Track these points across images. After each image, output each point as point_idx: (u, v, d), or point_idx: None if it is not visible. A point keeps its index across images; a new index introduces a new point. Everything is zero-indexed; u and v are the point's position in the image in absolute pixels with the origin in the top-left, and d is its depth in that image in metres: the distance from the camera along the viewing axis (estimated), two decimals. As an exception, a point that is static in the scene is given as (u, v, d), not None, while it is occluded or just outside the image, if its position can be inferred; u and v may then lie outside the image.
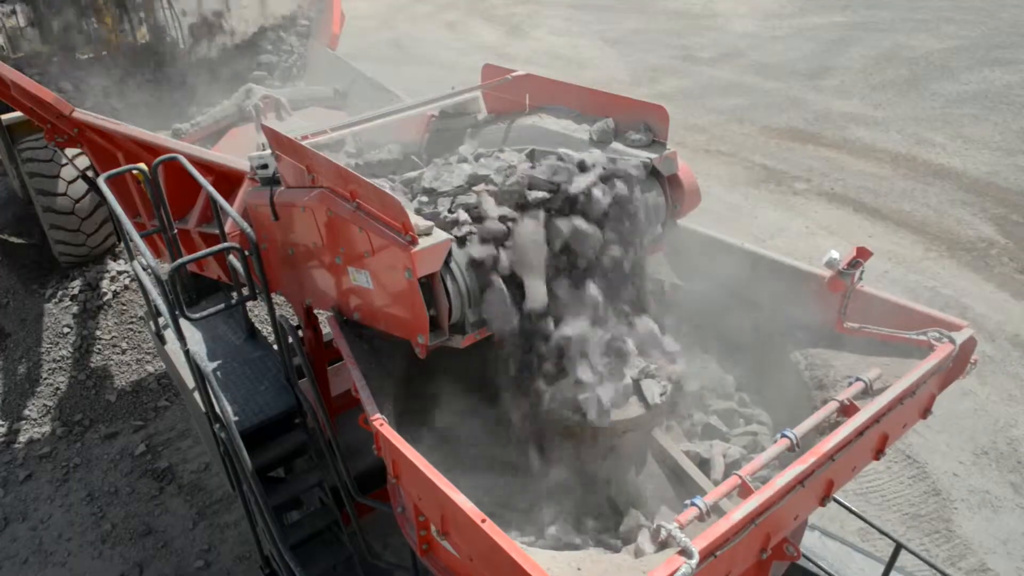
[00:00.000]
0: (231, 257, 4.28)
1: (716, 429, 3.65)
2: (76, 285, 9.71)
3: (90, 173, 7.70)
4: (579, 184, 3.36)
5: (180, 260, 3.97)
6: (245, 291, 4.19)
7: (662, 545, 2.43)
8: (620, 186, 3.48)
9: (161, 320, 5.07)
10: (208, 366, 4.12)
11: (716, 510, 2.56)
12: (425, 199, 3.45)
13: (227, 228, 4.40)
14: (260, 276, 4.06)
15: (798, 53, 17.65)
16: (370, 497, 4.14)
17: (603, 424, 3.32)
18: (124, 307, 9.55)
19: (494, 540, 2.42)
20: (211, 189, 4.17)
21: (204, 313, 4.10)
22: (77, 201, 9.49)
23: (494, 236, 3.21)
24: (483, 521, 2.48)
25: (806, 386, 3.50)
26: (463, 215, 3.24)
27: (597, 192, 3.39)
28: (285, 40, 8.32)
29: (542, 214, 3.30)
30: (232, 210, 4.09)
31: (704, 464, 3.38)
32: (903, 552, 4.46)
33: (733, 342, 4.05)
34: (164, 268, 4.49)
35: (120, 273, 9.91)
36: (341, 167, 3.30)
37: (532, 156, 3.71)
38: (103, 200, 6.13)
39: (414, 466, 2.77)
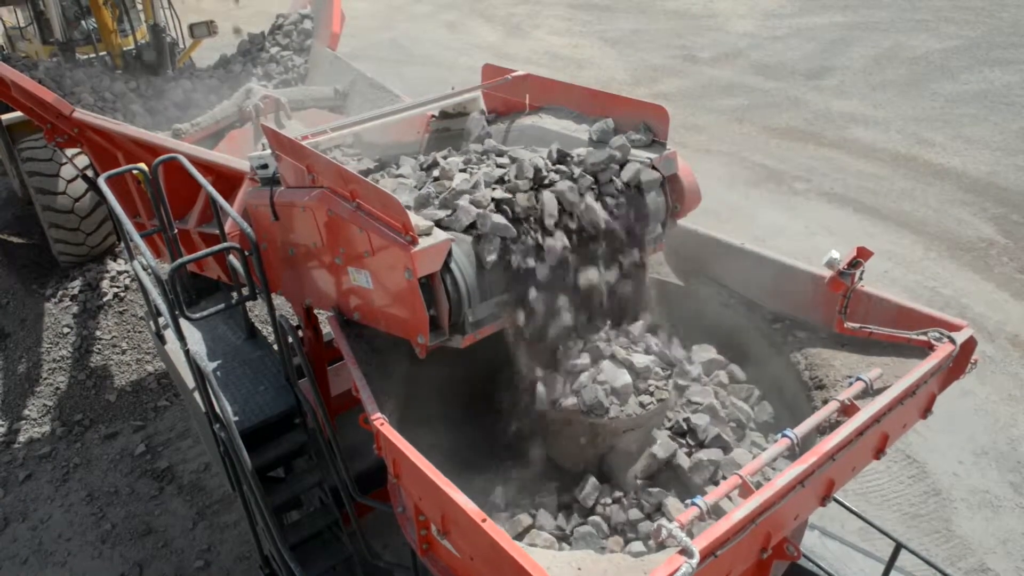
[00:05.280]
0: (231, 257, 4.28)
1: (712, 430, 3.64)
2: (76, 285, 9.72)
3: (89, 172, 7.70)
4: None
5: (180, 260, 3.97)
6: (245, 291, 4.19)
7: (662, 545, 2.43)
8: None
9: (161, 320, 5.07)
10: (208, 366, 4.11)
11: (716, 510, 2.56)
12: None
13: (227, 228, 4.40)
14: (260, 276, 4.06)
15: (798, 53, 17.66)
16: (370, 497, 4.14)
17: (602, 420, 3.33)
18: (124, 307, 9.55)
19: (495, 540, 2.41)
20: (211, 189, 4.17)
21: (204, 313, 4.09)
22: (76, 200, 9.50)
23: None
24: (483, 521, 2.48)
25: (806, 386, 3.50)
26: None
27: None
28: (286, 45, 8.31)
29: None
30: (232, 210, 4.09)
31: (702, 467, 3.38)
32: (903, 552, 4.46)
33: (733, 342, 4.05)
34: (164, 268, 4.48)
35: (120, 273, 9.91)
36: (341, 167, 3.30)
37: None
38: (103, 200, 6.13)
39: (415, 466, 2.77)
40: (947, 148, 13.09)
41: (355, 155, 4.44)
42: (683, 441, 3.52)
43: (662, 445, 3.36)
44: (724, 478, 3.26)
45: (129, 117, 7.17)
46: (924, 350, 3.24)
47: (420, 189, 3.55)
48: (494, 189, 3.39)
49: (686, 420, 3.55)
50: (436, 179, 3.58)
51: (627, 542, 3.19)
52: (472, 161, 3.78)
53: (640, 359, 3.53)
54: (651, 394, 3.44)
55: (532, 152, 3.73)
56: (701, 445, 3.47)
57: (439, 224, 3.23)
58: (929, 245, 10.60)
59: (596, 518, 3.31)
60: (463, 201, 3.28)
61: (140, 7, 10.88)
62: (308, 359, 4.22)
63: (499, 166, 3.62)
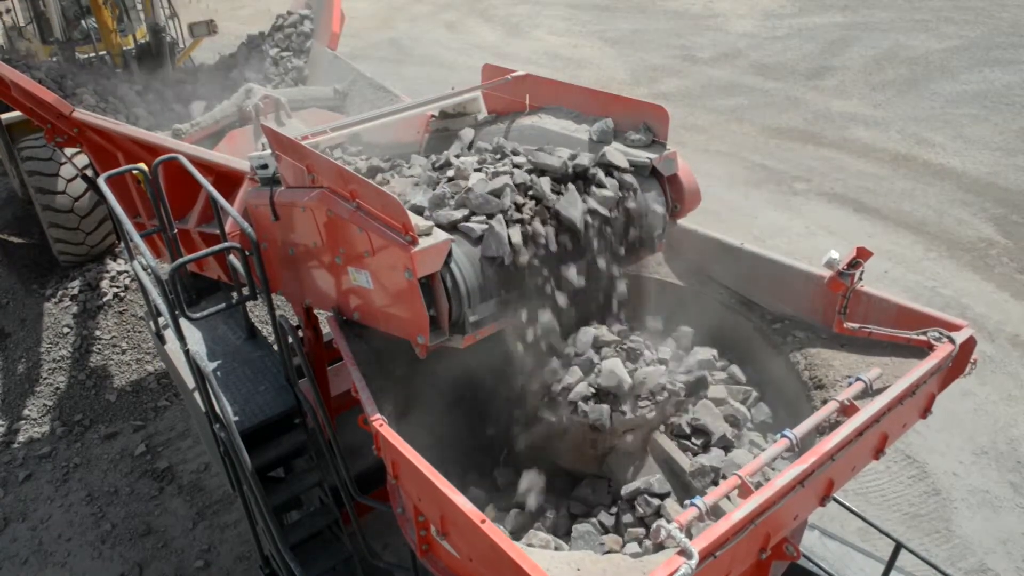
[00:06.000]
0: (231, 257, 4.28)
1: (703, 429, 3.64)
2: (76, 285, 9.72)
3: (89, 172, 7.71)
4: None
5: (180, 260, 3.97)
6: (245, 291, 4.19)
7: (661, 546, 2.43)
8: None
9: (161, 320, 5.07)
10: (208, 366, 4.11)
11: (716, 510, 2.56)
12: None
13: (227, 228, 4.40)
14: (260, 276, 4.06)
15: (798, 53, 17.64)
16: (370, 497, 4.14)
17: (604, 425, 3.33)
18: (124, 307, 9.55)
19: (494, 540, 2.42)
20: (211, 188, 4.17)
21: (204, 313, 4.10)
22: (76, 200, 9.50)
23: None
24: (483, 522, 2.49)
25: (806, 386, 3.50)
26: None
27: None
28: (285, 46, 8.31)
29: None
30: (232, 210, 4.08)
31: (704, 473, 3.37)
32: (903, 552, 4.46)
33: (733, 342, 4.05)
34: (164, 268, 4.48)
35: (120, 273, 9.92)
36: (341, 167, 3.30)
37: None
38: (103, 200, 6.13)
39: (414, 467, 2.77)
40: (947, 148, 13.09)
41: (360, 154, 4.42)
42: (687, 443, 3.51)
43: (659, 481, 3.35)
44: (724, 478, 3.26)
45: (132, 119, 7.17)
46: (924, 350, 3.24)
47: (434, 189, 3.51)
48: (522, 207, 3.36)
49: (691, 421, 3.54)
50: (450, 179, 3.53)
51: (626, 542, 3.19)
52: (487, 161, 3.74)
53: (640, 360, 3.53)
54: (651, 395, 3.44)
55: (551, 156, 3.69)
56: (706, 447, 3.46)
57: (456, 225, 3.22)
58: (929, 245, 10.59)
59: (594, 519, 3.31)
60: (498, 226, 3.19)
61: (140, 7, 10.88)
62: (308, 359, 4.22)
63: (516, 165, 3.58)
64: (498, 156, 3.81)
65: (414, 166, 3.99)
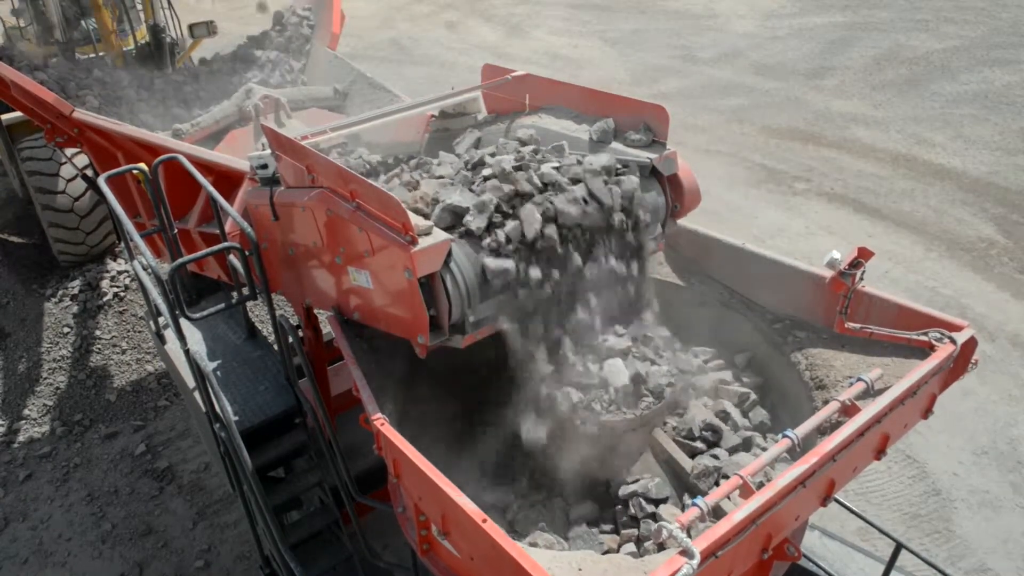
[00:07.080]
0: (231, 257, 4.28)
1: (716, 429, 3.64)
2: (76, 285, 9.72)
3: (89, 172, 7.70)
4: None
5: (180, 260, 3.96)
6: (245, 291, 4.19)
7: (662, 545, 2.42)
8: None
9: (161, 320, 5.07)
10: (208, 366, 4.11)
11: (717, 510, 2.56)
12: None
13: (227, 228, 4.40)
14: (260, 276, 4.06)
15: (798, 53, 17.65)
16: (370, 497, 4.13)
17: (602, 424, 3.33)
18: (124, 307, 9.55)
19: (495, 540, 2.41)
20: (211, 188, 4.17)
21: (204, 313, 4.09)
22: (76, 199, 9.50)
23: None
24: (484, 521, 2.48)
25: (807, 386, 3.50)
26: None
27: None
28: (285, 48, 8.30)
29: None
30: (232, 210, 4.08)
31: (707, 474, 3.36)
32: (903, 552, 4.46)
33: (733, 342, 4.05)
34: (164, 268, 4.48)
35: (120, 273, 9.92)
36: (341, 167, 3.30)
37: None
38: (103, 200, 6.13)
39: (415, 466, 2.77)
40: (947, 148, 13.09)
41: (373, 155, 4.36)
42: (692, 443, 3.51)
43: (657, 486, 3.32)
44: (725, 478, 3.26)
45: (135, 121, 7.17)
46: (925, 350, 3.24)
47: (470, 189, 3.41)
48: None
49: (701, 423, 3.53)
50: (487, 178, 3.40)
51: (622, 543, 3.18)
52: (525, 158, 3.61)
53: (640, 359, 3.53)
54: (652, 394, 3.44)
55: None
56: (713, 446, 3.46)
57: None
58: (929, 245, 10.59)
59: (594, 519, 3.31)
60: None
61: (140, 7, 10.87)
62: (308, 359, 4.21)
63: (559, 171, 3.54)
64: (537, 155, 3.71)
65: (444, 165, 3.93)
